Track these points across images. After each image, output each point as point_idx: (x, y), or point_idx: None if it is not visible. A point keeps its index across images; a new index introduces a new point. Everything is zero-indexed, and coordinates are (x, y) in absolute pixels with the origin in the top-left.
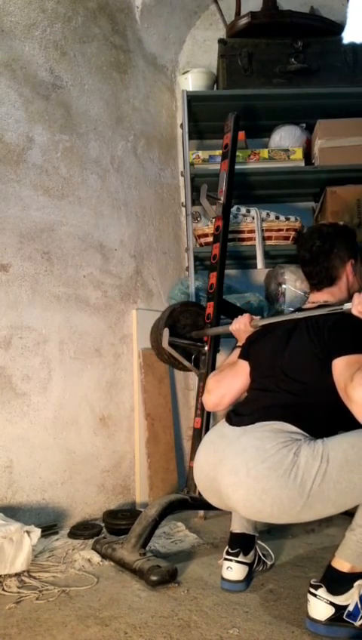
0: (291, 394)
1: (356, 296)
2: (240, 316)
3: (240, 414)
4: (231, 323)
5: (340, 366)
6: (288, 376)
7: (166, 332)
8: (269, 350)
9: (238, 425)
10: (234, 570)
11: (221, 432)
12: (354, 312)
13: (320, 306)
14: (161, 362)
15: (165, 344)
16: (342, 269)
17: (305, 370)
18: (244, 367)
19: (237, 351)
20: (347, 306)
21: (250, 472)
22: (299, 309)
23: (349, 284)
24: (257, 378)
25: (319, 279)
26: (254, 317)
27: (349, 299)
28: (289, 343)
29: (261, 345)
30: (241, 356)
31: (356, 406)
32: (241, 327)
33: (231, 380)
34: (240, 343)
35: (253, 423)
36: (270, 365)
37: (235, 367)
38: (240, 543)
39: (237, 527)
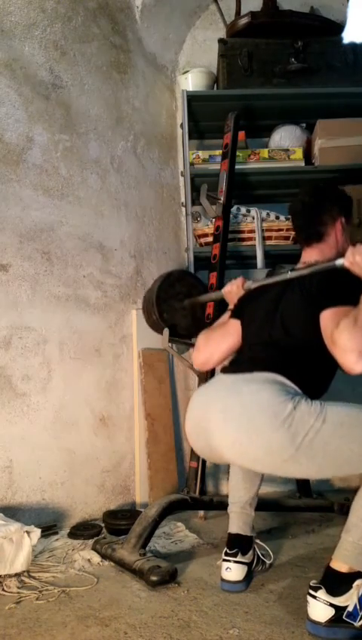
0: (283, 349)
1: (350, 249)
2: (233, 279)
3: (236, 363)
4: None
5: (328, 316)
6: (280, 333)
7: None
8: (261, 308)
9: (234, 372)
10: (233, 570)
11: (217, 378)
12: (346, 263)
13: (310, 266)
14: (161, 362)
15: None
16: (332, 226)
17: (297, 326)
18: (235, 325)
19: (229, 313)
20: (339, 261)
21: (245, 411)
22: (292, 270)
23: (338, 243)
24: (249, 335)
25: (308, 234)
26: (247, 280)
27: (338, 257)
28: (281, 301)
29: (253, 304)
30: (233, 315)
31: (339, 350)
32: (234, 289)
33: (220, 338)
34: (231, 306)
35: (249, 371)
36: (261, 324)
37: (226, 325)
38: (238, 544)
39: (234, 528)
